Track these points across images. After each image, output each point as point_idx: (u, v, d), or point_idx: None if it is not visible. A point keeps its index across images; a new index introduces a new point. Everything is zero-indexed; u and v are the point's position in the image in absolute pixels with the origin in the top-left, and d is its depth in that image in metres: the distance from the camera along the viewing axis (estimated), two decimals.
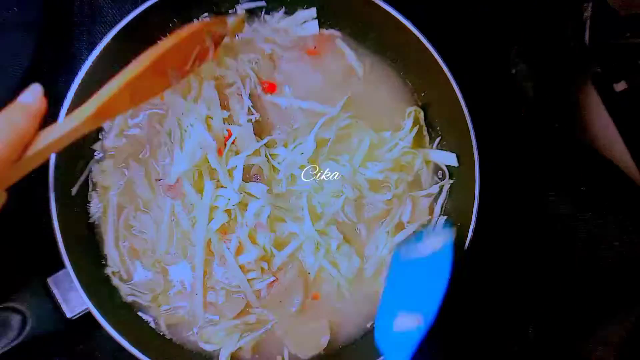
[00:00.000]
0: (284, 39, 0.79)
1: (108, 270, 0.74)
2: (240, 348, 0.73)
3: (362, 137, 0.77)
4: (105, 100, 0.57)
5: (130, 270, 0.74)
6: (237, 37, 0.79)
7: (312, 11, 0.79)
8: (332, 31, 0.81)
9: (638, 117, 0.88)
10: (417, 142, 0.80)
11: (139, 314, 0.75)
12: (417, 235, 0.73)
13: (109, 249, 0.74)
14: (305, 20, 0.80)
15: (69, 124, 0.55)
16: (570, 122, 0.88)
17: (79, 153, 0.74)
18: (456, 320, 0.78)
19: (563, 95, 0.88)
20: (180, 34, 0.65)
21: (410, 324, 0.61)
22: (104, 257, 0.75)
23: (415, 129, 0.78)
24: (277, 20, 0.80)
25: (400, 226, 0.78)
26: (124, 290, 0.74)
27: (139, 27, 0.72)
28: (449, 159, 0.78)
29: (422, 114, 0.79)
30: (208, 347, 0.73)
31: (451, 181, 0.79)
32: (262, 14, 0.80)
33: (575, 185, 0.83)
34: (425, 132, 0.81)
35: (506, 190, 0.82)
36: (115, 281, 0.74)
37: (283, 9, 0.80)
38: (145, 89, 0.64)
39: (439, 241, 0.67)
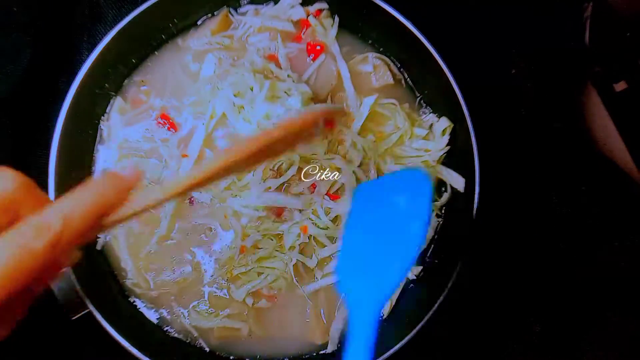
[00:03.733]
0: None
1: (128, 283, 0.74)
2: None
3: (398, 124, 0.77)
4: (201, 179, 0.51)
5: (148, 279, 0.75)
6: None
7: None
8: (318, 4, 0.80)
9: (638, 117, 0.88)
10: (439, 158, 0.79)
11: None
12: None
13: (122, 254, 0.75)
14: (292, 5, 0.79)
15: (152, 198, 0.49)
16: (571, 122, 0.88)
17: (80, 160, 0.75)
18: (458, 319, 0.78)
19: (563, 95, 0.88)
20: (294, 124, 0.59)
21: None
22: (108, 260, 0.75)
23: (448, 148, 0.77)
24: (268, 9, 0.80)
25: None
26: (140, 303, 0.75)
27: (139, 27, 0.72)
28: (458, 182, 0.76)
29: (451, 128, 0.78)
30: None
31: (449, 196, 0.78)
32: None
33: (575, 185, 0.83)
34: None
35: (506, 190, 0.82)
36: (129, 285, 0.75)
37: None
38: (239, 166, 0.58)
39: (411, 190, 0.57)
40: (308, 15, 0.79)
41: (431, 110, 0.81)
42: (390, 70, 0.81)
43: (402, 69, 0.82)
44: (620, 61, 0.89)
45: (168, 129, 0.76)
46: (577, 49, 0.88)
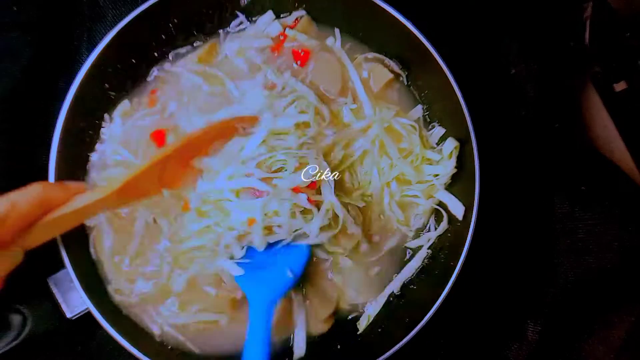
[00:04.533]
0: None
1: (109, 289, 0.73)
2: None
3: (411, 144, 0.77)
4: (132, 178, 0.57)
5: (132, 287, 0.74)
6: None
7: (269, 14, 0.80)
8: (296, 13, 0.81)
9: (638, 117, 0.88)
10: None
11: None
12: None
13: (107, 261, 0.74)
14: (267, 24, 0.80)
15: (91, 196, 0.55)
16: (571, 122, 0.88)
17: (79, 160, 0.75)
18: (457, 319, 0.78)
19: (563, 95, 0.88)
20: (212, 127, 0.68)
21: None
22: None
23: (455, 171, 0.76)
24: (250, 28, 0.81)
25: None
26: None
27: (139, 27, 0.72)
28: (458, 209, 0.75)
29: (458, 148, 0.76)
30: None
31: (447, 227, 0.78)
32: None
33: (575, 185, 0.83)
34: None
35: (506, 190, 0.82)
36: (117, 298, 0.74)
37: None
38: (173, 176, 0.65)
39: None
40: (285, 29, 0.80)
41: (438, 124, 0.80)
42: (387, 67, 0.81)
43: (402, 68, 0.82)
44: (620, 61, 0.89)
45: (158, 145, 0.76)
46: (577, 49, 0.88)
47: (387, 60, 0.81)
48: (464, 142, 0.75)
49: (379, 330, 0.76)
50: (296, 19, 0.81)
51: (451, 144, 0.76)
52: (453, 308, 0.71)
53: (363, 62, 0.81)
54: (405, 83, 0.83)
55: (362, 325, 0.76)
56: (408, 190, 0.78)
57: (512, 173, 0.84)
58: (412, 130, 0.78)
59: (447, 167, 0.76)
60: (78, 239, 0.71)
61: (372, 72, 0.81)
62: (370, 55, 0.81)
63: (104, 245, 0.73)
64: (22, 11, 0.77)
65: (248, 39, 0.80)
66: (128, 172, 0.59)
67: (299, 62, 0.80)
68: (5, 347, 0.65)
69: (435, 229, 0.78)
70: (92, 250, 0.74)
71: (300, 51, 0.80)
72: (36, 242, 0.54)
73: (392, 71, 0.81)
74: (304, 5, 0.81)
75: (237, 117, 0.71)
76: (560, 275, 0.82)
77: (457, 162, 0.76)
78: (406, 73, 0.82)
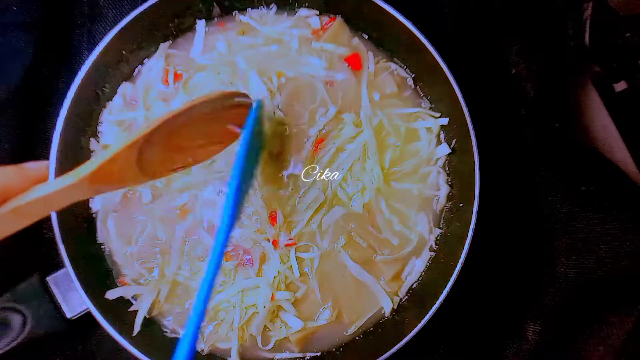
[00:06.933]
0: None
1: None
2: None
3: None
4: (104, 163, 0.49)
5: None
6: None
7: (314, 11, 0.80)
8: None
9: (638, 117, 0.88)
10: None
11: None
12: None
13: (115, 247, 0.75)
14: (308, 16, 0.80)
15: (56, 185, 0.47)
16: (570, 122, 0.88)
17: (79, 161, 0.75)
18: (457, 319, 0.78)
19: (563, 95, 0.88)
20: (194, 102, 0.57)
21: None
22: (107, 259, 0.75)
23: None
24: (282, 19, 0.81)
25: None
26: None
27: (138, 27, 0.72)
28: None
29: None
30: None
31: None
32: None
33: (575, 185, 0.83)
34: None
35: (506, 189, 0.82)
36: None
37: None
38: (158, 162, 0.56)
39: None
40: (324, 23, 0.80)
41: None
42: (394, 77, 0.81)
43: (407, 70, 0.82)
44: (620, 61, 0.89)
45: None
46: (577, 49, 0.88)
47: (393, 67, 0.82)
48: (463, 143, 0.75)
49: (379, 330, 0.76)
50: (328, 21, 0.80)
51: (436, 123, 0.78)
52: (453, 308, 0.71)
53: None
54: (413, 87, 0.82)
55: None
56: (399, 184, 0.78)
57: (512, 173, 0.84)
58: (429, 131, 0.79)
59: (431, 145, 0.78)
60: (78, 238, 0.71)
61: (379, 79, 0.81)
62: (380, 60, 0.82)
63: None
64: (22, 11, 0.77)
65: (288, 28, 0.80)
66: (100, 156, 0.51)
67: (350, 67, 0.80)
68: (5, 347, 0.66)
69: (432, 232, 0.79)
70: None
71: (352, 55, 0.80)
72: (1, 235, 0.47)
73: (398, 75, 0.81)
74: (306, 4, 0.80)
75: (226, 91, 0.62)
76: (560, 275, 0.82)
77: (456, 162, 0.76)
78: (412, 75, 0.82)
